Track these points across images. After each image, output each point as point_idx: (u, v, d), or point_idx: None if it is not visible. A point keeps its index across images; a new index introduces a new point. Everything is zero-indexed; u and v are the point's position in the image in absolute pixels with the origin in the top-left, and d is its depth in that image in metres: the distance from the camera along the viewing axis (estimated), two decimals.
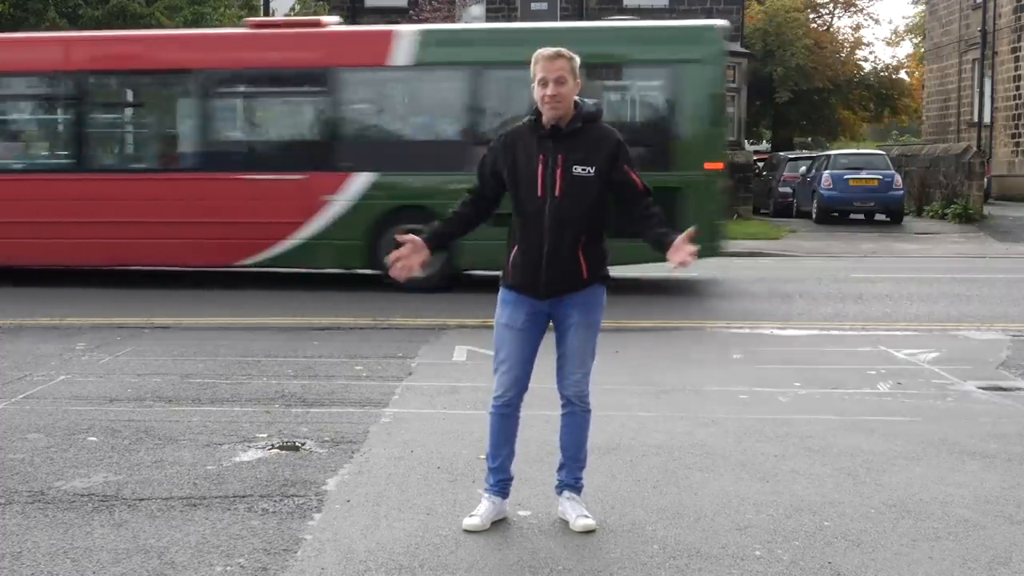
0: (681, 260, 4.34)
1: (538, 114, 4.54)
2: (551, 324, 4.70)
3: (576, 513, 4.66)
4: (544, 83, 4.46)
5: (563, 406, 4.72)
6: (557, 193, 4.48)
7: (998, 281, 15.00)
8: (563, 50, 4.51)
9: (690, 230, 4.41)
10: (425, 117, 13.81)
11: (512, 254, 4.61)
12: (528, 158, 4.52)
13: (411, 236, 4.60)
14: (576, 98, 4.53)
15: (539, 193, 4.50)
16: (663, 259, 4.49)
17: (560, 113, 4.48)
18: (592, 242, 4.59)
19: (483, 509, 4.69)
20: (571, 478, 4.76)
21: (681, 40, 13.22)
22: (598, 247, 4.63)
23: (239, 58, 13.63)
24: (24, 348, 8.93)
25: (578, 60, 4.54)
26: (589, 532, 4.58)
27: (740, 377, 7.97)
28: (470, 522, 4.64)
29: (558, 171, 4.48)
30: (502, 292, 4.69)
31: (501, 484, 4.74)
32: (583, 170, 4.50)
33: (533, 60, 4.51)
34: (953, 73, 39.76)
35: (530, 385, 4.71)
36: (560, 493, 4.78)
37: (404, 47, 13.00)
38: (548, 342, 4.71)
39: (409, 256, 4.58)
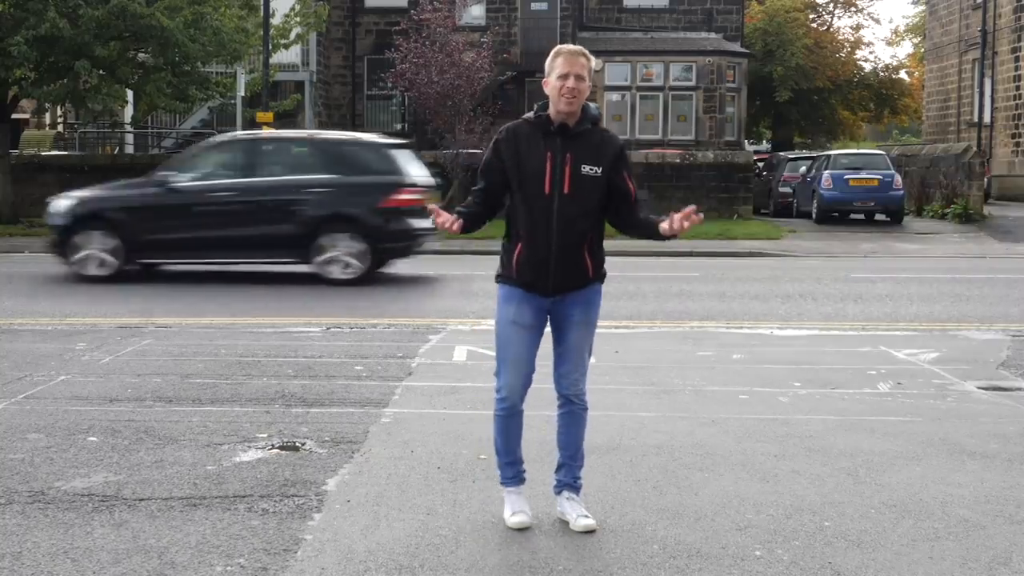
0: (680, 225, 4.44)
1: (545, 111, 4.57)
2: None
3: (576, 513, 4.66)
4: (565, 76, 4.47)
5: (560, 405, 4.73)
6: (566, 190, 4.51)
7: (998, 281, 15.01)
8: (584, 49, 4.56)
9: (692, 207, 4.49)
10: None
11: (516, 252, 4.60)
12: (534, 154, 4.53)
13: (445, 213, 4.54)
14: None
15: (546, 190, 4.51)
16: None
17: (573, 109, 4.50)
18: (597, 242, 4.65)
19: (517, 503, 4.69)
20: (570, 477, 4.76)
21: None
22: (601, 247, 4.70)
23: None
24: (24, 348, 8.93)
25: (595, 62, 4.57)
26: (589, 532, 4.58)
27: (740, 377, 7.97)
28: (516, 520, 4.62)
29: (567, 168, 4.51)
30: (505, 290, 4.68)
31: (521, 474, 4.75)
32: (591, 169, 4.53)
33: (553, 55, 4.54)
34: (953, 73, 39.79)
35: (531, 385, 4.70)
36: (559, 493, 4.78)
37: None
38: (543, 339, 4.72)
39: (449, 221, 4.54)
